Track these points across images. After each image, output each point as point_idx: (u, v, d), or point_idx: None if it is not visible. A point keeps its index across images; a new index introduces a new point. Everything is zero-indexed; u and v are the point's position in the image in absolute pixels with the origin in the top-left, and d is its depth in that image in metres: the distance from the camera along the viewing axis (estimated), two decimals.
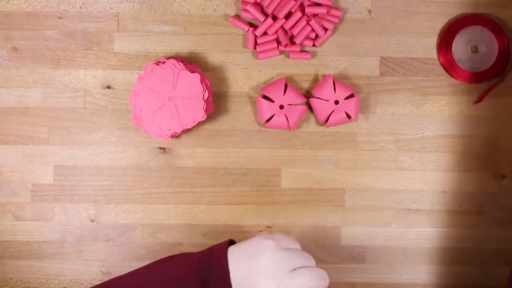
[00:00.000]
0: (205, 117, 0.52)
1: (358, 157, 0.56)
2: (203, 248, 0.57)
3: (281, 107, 0.55)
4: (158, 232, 0.57)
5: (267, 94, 0.55)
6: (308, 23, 0.54)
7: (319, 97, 0.55)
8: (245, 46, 0.56)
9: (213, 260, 0.43)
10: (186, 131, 0.55)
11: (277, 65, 0.56)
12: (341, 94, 0.54)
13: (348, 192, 0.57)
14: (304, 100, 0.55)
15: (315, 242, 0.57)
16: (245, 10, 0.54)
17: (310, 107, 0.56)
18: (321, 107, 0.55)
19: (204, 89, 0.52)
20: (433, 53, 0.56)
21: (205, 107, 0.52)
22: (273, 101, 0.55)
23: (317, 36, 0.55)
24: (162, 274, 0.44)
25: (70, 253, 0.57)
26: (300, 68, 0.56)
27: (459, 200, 0.57)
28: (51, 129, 0.56)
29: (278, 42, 0.55)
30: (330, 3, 0.54)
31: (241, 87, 0.56)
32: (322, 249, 0.57)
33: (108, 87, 0.56)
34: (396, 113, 0.57)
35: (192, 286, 0.42)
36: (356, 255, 0.57)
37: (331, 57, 0.56)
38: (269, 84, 0.55)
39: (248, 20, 0.56)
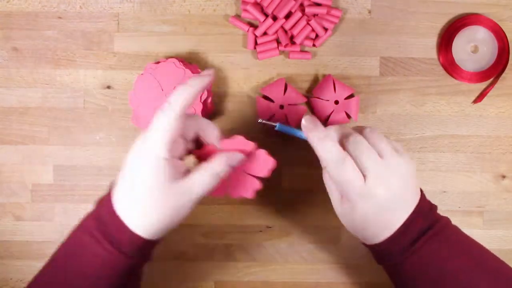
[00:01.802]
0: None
1: None
2: (203, 248, 0.57)
3: (281, 107, 0.55)
4: None
5: (267, 94, 0.55)
6: (308, 23, 0.54)
7: (319, 97, 0.55)
8: (245, 46, 0.56)
9: (99, 203, 0.42)
10: None
11: (277, 65, 0.56)
12: (341, 94, 0.54)
13: None
14: (304, 100, 0.55)
15: (315, 242, 0.57)
16: (245, 10, 0.54)
17: (310, 107, 0.56)
18: (321, 107, 0.55)
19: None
20: (433, 53, 0.56)
21: (201, 108, 0.52)
22: (273, 101, 0.55)
23: (317, 36, 0.55)
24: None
25: None
26: (300, 68, 0.56)
27: (459, 200, 0.57)
28: (51, 129, 0.56)
29: (278, 42, 0.55)
30: (330, 3, 0.54)
31: (241, 87, 0.56)
32: (322, 249, 0.57)
33: (108, 87, 0.56)
34: (396, 113, 0.57)
35: (88, 227, 0.41)
36: (356, 255, 0.57)
37: (331, 57, 0.56)
38: (269, 84, 0.55)
39: (248, 20, 0.56)
